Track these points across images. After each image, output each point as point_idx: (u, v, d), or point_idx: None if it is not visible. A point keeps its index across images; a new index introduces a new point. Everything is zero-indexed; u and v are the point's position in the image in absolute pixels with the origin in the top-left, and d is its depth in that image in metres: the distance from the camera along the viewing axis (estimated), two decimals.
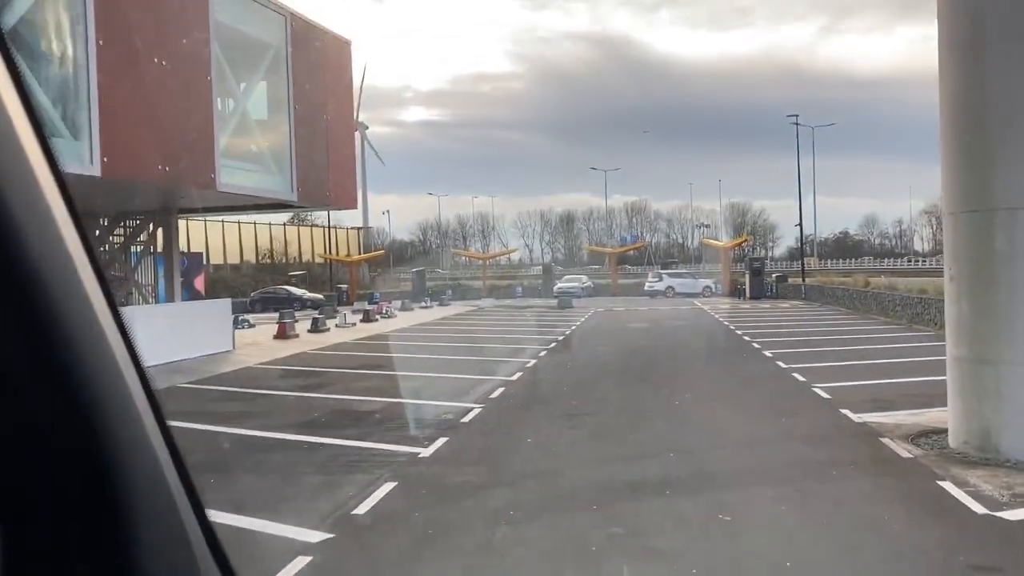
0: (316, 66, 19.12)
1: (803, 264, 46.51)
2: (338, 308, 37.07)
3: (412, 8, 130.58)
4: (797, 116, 45.24)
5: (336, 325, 25.77)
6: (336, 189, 20.27)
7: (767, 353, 17.32)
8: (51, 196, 0.71)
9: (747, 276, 43.40)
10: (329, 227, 63.39)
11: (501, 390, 12.70)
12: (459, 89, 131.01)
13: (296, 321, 26.04)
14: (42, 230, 0.69)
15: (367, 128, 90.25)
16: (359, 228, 74.83)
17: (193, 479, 0.78)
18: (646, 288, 47.51)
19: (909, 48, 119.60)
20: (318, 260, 61.72)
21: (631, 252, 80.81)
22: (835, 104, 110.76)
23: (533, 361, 16.49)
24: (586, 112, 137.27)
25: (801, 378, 13.69)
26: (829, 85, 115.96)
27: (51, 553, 0.67)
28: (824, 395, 11.98)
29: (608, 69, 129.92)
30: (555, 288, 46.92)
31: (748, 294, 41.93)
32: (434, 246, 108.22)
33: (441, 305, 40.01)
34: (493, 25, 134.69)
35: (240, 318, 26.83)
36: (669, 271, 52.37)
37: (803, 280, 42.33)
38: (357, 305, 37.76)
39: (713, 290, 46.24)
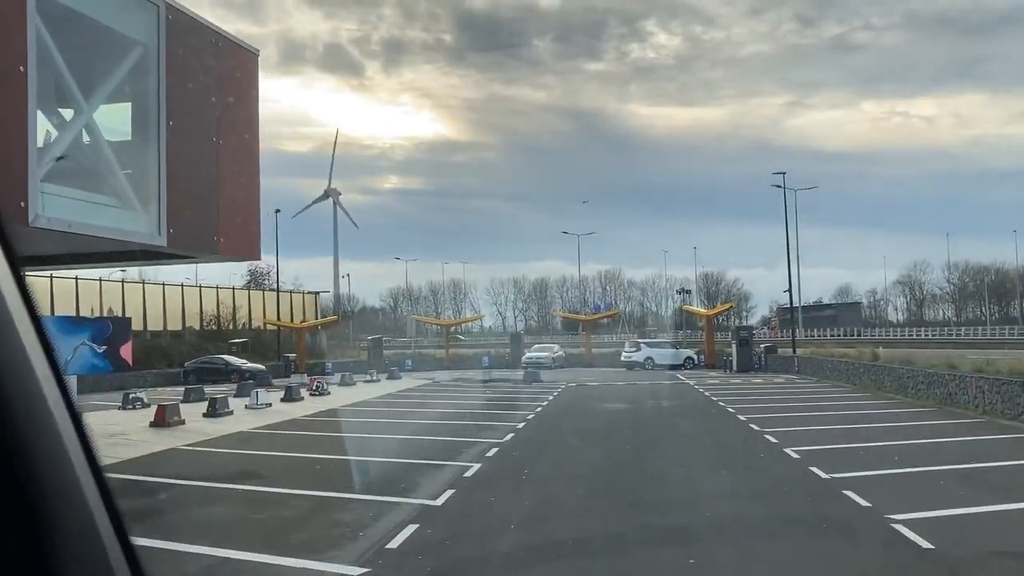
0: (204, 76, 14.79)
1: (794, 334, 42.58)
2: (273, 381, 32.62)
3: (388, 84, 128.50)
4: (784, 173, 42.00)
5: (246, 406, 20.86)
6: (229, 234, 15.59)
7: (792, 453, 12.93)
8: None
9: (734, 347, 39.41)
10: (279, 290, 58.96)
11: (412, 530, 8.08)
12: (433, 158, 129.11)
13: (202, 400, 21.39)
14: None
15: (339, 194, 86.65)
16: (316, 293, 70.17)
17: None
18: (623, 358, 43.31)
19: (875, 124, 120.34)
20: (271, 327, 56.95)
21: (605, 320, 77.10)
22: (804, 177, 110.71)
23: (475, 467, 11.78)
24: (559, 181, 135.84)
25: (861, 500, 9.29)
26: (798, 158, 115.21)
27: None
28: (918, 540, 7.57)
29: (581, 139, 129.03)
30: (523, 358, 42.68)
31: (736, 367, 38.04)
32: (403, 313, 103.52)
33: (391, 378, 35.14)
34: (466, 97, 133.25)
35: (131, 395, 22.03)
36: (647, 340, 48.21)
37: (794, 351, 38.42)
38: (295, 378, 33.14)
39: (695, 361, 42.34)
